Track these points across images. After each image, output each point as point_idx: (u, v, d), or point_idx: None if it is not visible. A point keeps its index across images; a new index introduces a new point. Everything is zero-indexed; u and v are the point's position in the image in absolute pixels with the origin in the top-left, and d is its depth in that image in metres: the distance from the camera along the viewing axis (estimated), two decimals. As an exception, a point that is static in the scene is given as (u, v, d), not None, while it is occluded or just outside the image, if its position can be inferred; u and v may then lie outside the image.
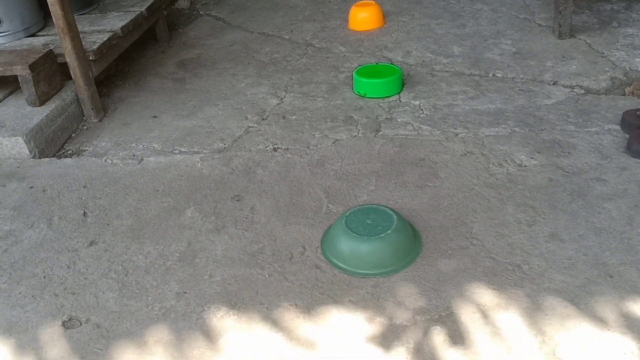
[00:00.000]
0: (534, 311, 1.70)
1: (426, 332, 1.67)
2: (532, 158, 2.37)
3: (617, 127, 2.50)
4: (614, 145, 2.39)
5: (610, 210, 2.05)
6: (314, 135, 2.73)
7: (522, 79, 3.03)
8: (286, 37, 3.89)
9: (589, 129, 2.52)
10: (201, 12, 4.48)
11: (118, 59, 3.59)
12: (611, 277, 1.78)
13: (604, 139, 2.44)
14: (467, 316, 1.71)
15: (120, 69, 3.62)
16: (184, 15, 4.44)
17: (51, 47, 3.01)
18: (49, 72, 2.93)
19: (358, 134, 2.70)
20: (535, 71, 3.08)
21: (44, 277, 2.01)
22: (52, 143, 2.80)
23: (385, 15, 3.94)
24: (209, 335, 1.74)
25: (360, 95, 3.06)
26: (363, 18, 3.85)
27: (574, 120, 2.60)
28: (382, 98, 3.01)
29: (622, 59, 3.07)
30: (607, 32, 3.36)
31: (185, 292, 1.90)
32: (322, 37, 3.82)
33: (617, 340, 1.59)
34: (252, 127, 2.86)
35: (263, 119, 2.92)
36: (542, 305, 1.71)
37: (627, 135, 2.39)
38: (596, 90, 2.85)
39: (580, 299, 1.72)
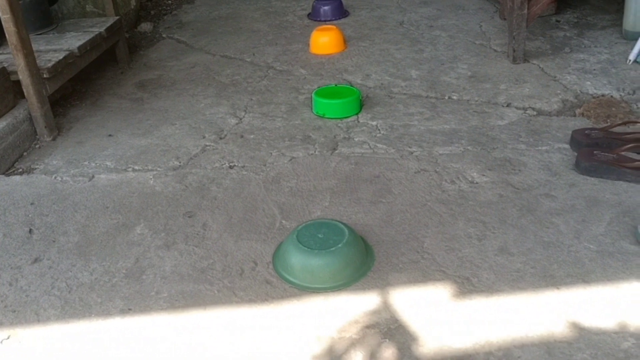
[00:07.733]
0: (482, 323, 1.69)
1: (376, 345, 1.64)
2: (483, 175, 2.39)
3: (567, 146, 2.55)
4: (563, 163, 2.43)
5: (558, 224, 2.07)
6: (271, 153, 2.72)
7: (476, 101, 3.09)
8: (248, 59, 3.90)
9: (540, 148, 2.57)
10: (164, 35, 4.48)
11: (75, 79, 3.55)
12: (558, 289, 1.79)
13: (554, 157, 2.49)
14: (416, 329, 1.69)
15: (77, 89, 3.57)
16: (146, 38, 4.43)
17: (4, 65, 2.96)
18: (1, 90, 2.87)
19: (315, 152, 2.70)
20: (489, 94, 3.14)
21: (-17, 294, 1.93)
22: (1, 161, 2.73)
23: (346, 40, 4.00)
24: (151, 351, 1.68)
25: (319, 116, 3.07)
26: (324, 42, 3.90)
27: (525, 140, 2.65)
28: (341, 119, 3.03)
29: (573, 82, 3.16)
30: (560, 57, 3.46)
31: (130, 309, 1.85)
32: (283, 60, 3.85)
33: (567, 353, 1.59)
34: (209, 145, 2.84)
35: (221, 138, 2.91)
36: (490, 318, 1.71)
37: (576, 153, 2.45)
38: (548, 111, 2.92)
39: (527, 311, 1.72)
